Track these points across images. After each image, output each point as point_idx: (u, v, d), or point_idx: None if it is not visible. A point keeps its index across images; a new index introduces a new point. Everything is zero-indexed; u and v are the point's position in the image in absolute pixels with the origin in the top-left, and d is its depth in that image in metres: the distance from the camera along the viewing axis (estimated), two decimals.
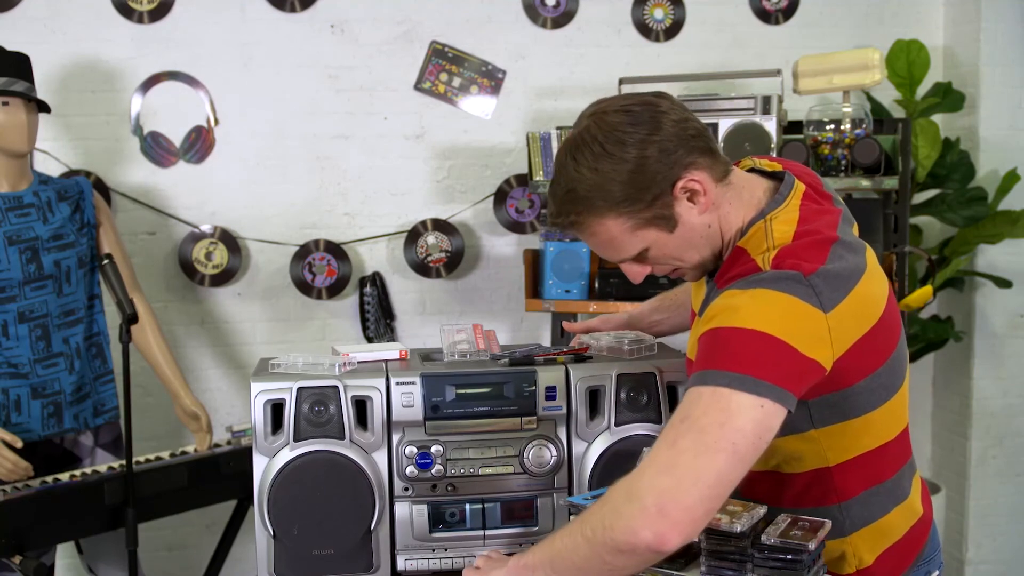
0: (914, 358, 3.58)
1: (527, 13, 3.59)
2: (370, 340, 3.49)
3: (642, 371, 1.78)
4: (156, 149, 3.38)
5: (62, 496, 2.38)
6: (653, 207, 1.50)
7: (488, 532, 1.76)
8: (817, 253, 1.46)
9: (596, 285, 3.09)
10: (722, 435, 1.32)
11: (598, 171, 1.49)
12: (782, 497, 1.59)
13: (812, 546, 1.41)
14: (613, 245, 1.56)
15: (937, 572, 1.68)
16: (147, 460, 2.62)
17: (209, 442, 2.77)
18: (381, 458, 1.72)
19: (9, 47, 2.69)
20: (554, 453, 1.76)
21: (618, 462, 1.73)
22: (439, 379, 1.74)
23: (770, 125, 2.89)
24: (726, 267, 1.56)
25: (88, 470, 2.55)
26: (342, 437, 1.69)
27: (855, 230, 1.62)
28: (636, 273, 1.61)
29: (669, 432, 1.36)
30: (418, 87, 3.54)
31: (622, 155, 1.48)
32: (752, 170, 1.64)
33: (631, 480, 1.37)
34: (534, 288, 3.19)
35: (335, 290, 3.49)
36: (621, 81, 3.09)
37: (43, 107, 2.70)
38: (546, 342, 3.44)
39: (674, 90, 3.40)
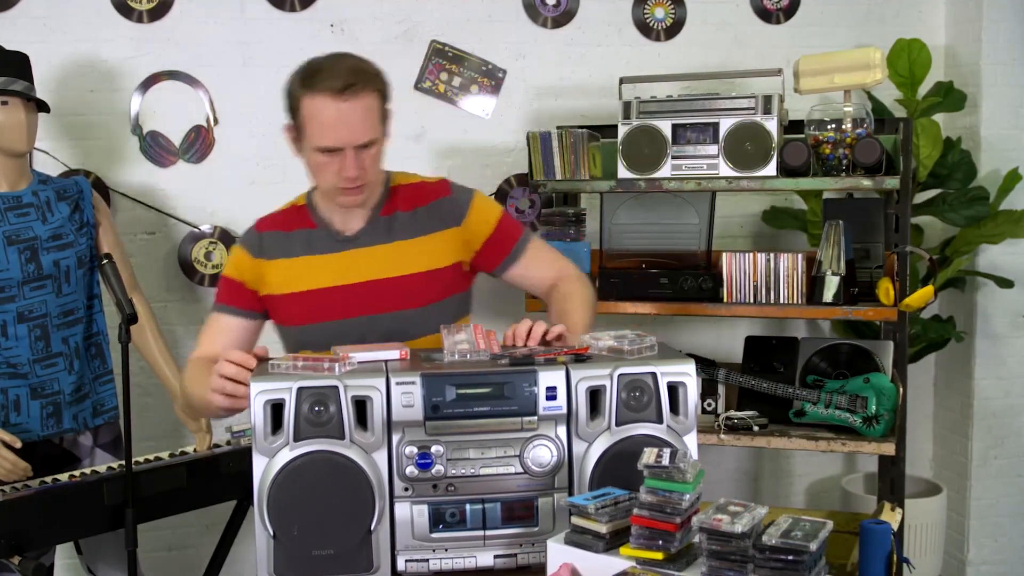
0: (915, 358, 3.58)
1: (527, 12, 3.59)
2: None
3: (642, 371, 1.78)
4: (156, 149, 3.38)
5: (61, 496, 2.37)
6: (387, 111, 2.04)
7: (488, 532, 1.76)
8: None
9: (596, 285, 3.08)
10: None
11: (375, 65, 2.03)
12: None
13: (813, 547, 1.41)
14: (370, 119, 1.98)
15: None
16: (146, 460, 2.61)
17: (209, 442, 2.76)
18: (381, 458, 1.71)
19: (8, 46, 2.69)
20: (554, 453, 1.76)
21: (619, 462, 1.72)
22: (439, 379, 1.74)
23: (771, 125, 2.88)
24: (415, 197, 2.14)
25: (87, 470, 2.55)
26: (342, 437, 1.69)
27: None
28: (350, 166, 1.97)
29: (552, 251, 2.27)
30: (418, 87, 3.54)
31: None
32: None
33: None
34: None
35: None
36: (622, 80, 3.09)
37: (42, 106, 2.70)
38: None
39: (675, 89, 3.41)
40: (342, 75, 1.95)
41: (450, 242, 2.14)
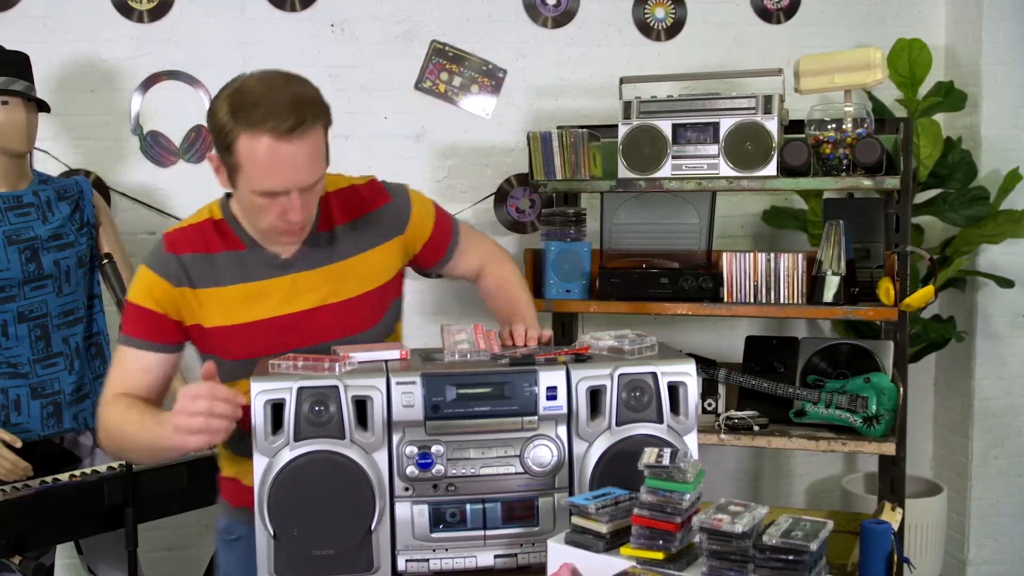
0: (915, 358, 3.58)
1: (528, 12, 3.59)
2: None
3: (643, 371, 1.78)
4: (156, 148, 3.38)
5: (62, 496, 2.37)
6: (328, 142, 1.84)
7: (489, 532, 1.76)
8: None
9: (597, 285, 3.09)
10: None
11: (315, 87, 1.79)
12: None
13: (814, 547, 1.40)
14: (316, 157, 1.78)
15: None
16: None
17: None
18: (381, 458, 1.71)
19: (9, 46, 2.69)
20: (555, 453, 1.76)
21: (619, 462, 1.72)
22: (440, 379, 1.74)
23: (771, 124, 2.88)
24: (351, 206, 1.95)
25: (88, 470, 2.54)
26: (342, 437, 1.69)
27: None
28: (296, 210, 1.77)
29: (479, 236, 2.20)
30: (418, 86, 3.54)
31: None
32: None
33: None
34: (535, 288, 3.18)
35: None
36: (622, 80, 3.08)
37: (43, 106, 2.70)
38: None
39: (675, 89, 3.41)
40: (287, 112, 1.70)
41: (393, 252, 1.99)
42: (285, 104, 1.71)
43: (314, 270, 1.90)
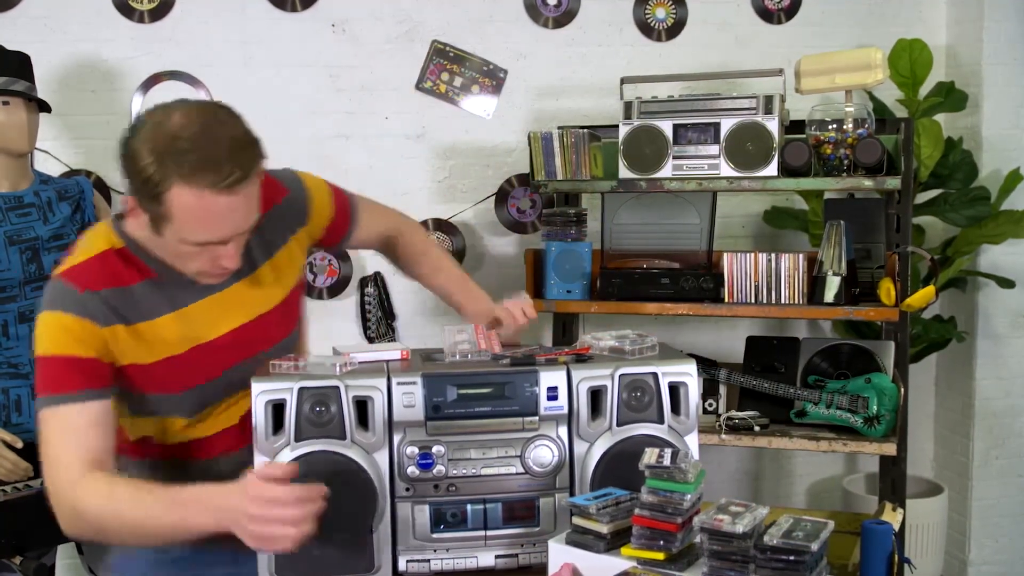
0: (916, 358, 3.58)
1: (528, 12, 3.59)
2: (371, 340, 3.48)
3: (643, 371, 1.78)
4: None
5: None
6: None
7: (489, 532, 1.76)
8: None
9: (598, 285, 3.09)
10: None
11: (244, 121, 1.62)
12: None
13: (815, 547, 1.40)
14: (254, 202, 1.63)
15: None
16: None
17: None
18: (382, 458, 1.71)
19: (9, 46, 2.69)
20: (555, 453, 1.76)
21: (620, 462, 1.72)
22: (440, 379, 1.74)
23: (772, 125, 2.88)
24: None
25: None
26: (343, 437, 1.69)
27: None
28: (232, 257, 1.65)
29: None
30: (419, 87, 3.54)
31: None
32: None
33: None
34: (536, 288, 3.18)
35: (336, 290, 3.49)
36: (623, 81, 3.08)
37: (43, 107, 2.70)
38: (548, 342, 3.44)
39: (676, 90, 3.41)
40: (227, 164, 1.54)
41: (300, 245, 1.89)
42: (223, 152, 1.54)
43: (234, 285, 1.76)
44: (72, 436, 1.60)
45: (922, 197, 3.57)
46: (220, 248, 1.63)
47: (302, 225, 1.88)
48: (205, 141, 1.54)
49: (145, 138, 1.55)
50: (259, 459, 1.68)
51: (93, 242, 1.71)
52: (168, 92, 3.36)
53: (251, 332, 1.79)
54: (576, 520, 1.61)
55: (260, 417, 1.68)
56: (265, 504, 1.44)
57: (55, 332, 1.63)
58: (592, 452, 1.75)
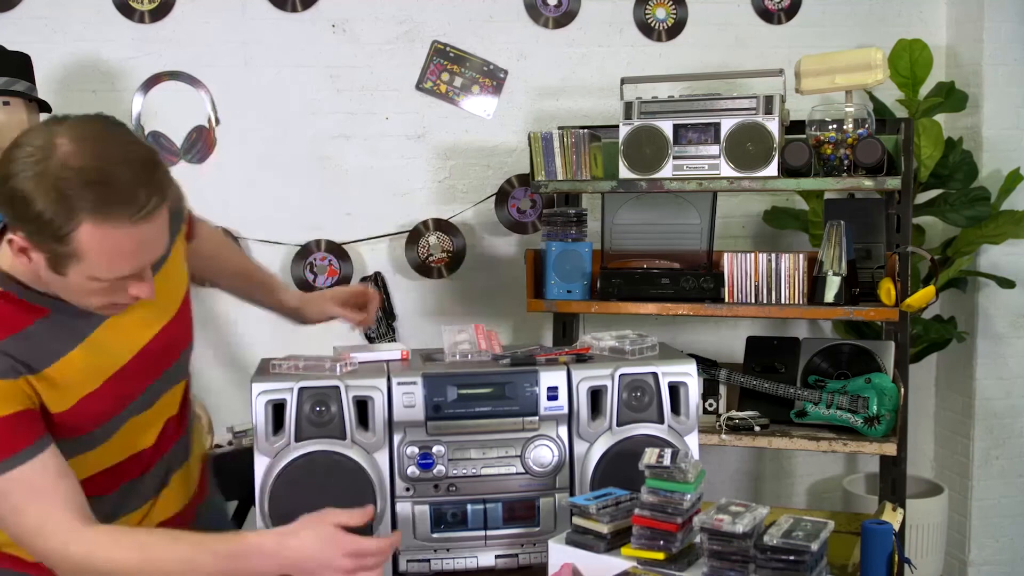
0: (917, 358, 3.58)
1: (529, 12, 3.59)
2: (371, 340, 3.48)
3: (643, 371, 1.78)
4: (157, 149, 3.38)
5: None
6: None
7: (490, 532, 1.76)
8: None
9: (598, 285, 3.09)
10: None
11: (138, 136, 1.50)
12: None
13: (815, 547, 1.41)
14: (164, 228, 1.47)
15: None
16: None
17: (210, 442, 2.76)
18: (382, 458, 1.72)
19: (10, 47, 2.69)
20: (555, 453, 1.76)
21: (620, 462, 1.73)
22: (441, 379, 1.74)
23: (772, 125, 2.88)
24: None
25: None
26: (343, 437, 1.69)
27: None
28: (147, 288, 1.50)
29: None
30: (419, 87, 3.54)
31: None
32: None
33: None
34: (536, 288, 3.18)
35: None
36: (623, 81, 3.08)
37: (44, 107, 2.70)
38: (548, 342, 3.44)
39: (676, 90, 3.41)
40: (141, 190, 1.38)
41: (180, 243, 1.76)
42: (132, 178, 1.38)
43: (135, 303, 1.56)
44: (46, 495, 1.45)
45: (922, 197, 3.57)
46: (132, 280, 1.47)
47: (178, 227, 1.74)
48: (110, 169, 1.36)
49: (31, 175, 1.34)
50: (259, 460, 1.68)
51: None
52: (169, 92, 3.36)
53: (159, 344, 1.66)
54: (576, 520, 1.61)
55: (260, 417, 1.68)
56: (359, 558, 1.45)
57: None
58: (592, 452, 1.76)
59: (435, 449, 1.73)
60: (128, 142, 1.42)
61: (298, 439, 1.68)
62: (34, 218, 1.36)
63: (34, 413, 1.49)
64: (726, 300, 2.99)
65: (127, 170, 1.38)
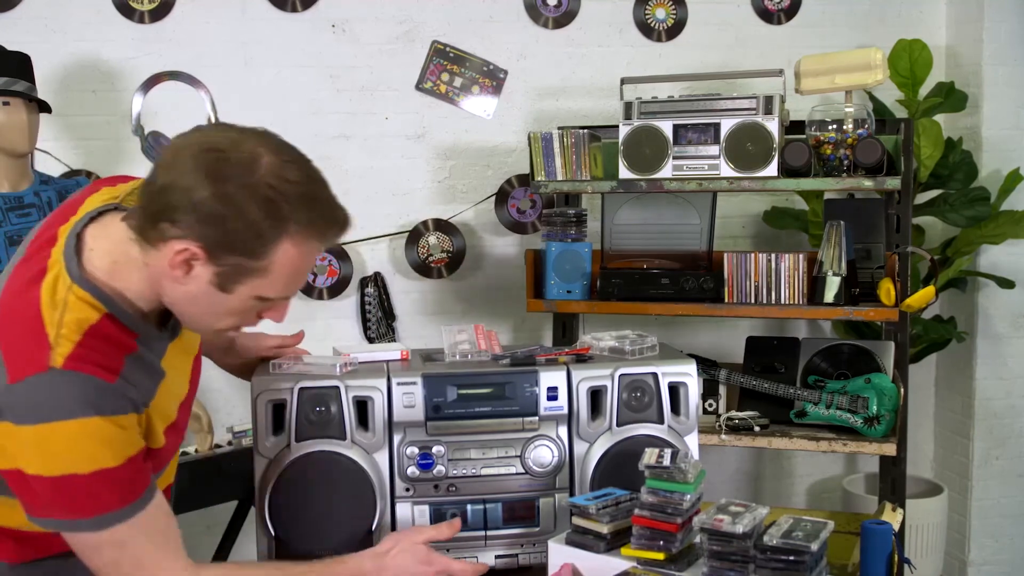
0: (916, 358, 3.58)
1: (529, 13, 3.59)
2: (371, 341, 3.49)
3: (643, 371, 1.78)
4: (157, 149, 3.38)
5: None
6: None
7: (490, 532, 1.76)
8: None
9: (598, 285, 3.09)
10: None
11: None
12: None
13: (814, 547, 1.40)
14: None
15: None
16: None
17: (210, 443, 2.76)
18: (382, 458, 1.72)
19: (10, 47, 2.69)
20: (555, 453, 1.76)
21: (619, 462, 1.73)
22: (440, 379, 1.74)
23: (772, 125, 2.88)
24: None
25: None
26: (343, 437, 1.69)
27: None
28: (284, 309, 1.46)
29: None
30: (419, 87, 3.54)
31: None
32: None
33: None
34: (536, 288, 3.18)
35: (336, 290, 3.49)
36: (623, 81, 3.08)
37: (44, 107, 2.70)
38: (548, 342, 3.44)
39: (676, 90, 3.41)
40: (337, 211, 1.38)
41: None
42: (332, 197, 1.37)
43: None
44: (163, 538, 1.38)
45: (922, 197, 3.57)
46: (278, 303, 1.41)
47: None
48: (315, 185, 1.34)
49: (244, 184, 1.28)
50: (259, 460, 1.68)
51: (66, 310, 1.32)
52: (169, 92, 3.36)
53: (196, 366, 1.62)
54: (576, 520, 1.61)
55: (260, 417, 1.68)
56: None
57: (97, 445, 1.29)
58: (592, 452, 1.76)
59: (435, 449, 1.73)
60: (308, 159, 1.38)
61: (298, 439, 1.68)
62: (245, 230, 1.28)
63: (145, 450, 1.39)
64: (726, 300, 2.99)
65: (326, 189, 1.36)
